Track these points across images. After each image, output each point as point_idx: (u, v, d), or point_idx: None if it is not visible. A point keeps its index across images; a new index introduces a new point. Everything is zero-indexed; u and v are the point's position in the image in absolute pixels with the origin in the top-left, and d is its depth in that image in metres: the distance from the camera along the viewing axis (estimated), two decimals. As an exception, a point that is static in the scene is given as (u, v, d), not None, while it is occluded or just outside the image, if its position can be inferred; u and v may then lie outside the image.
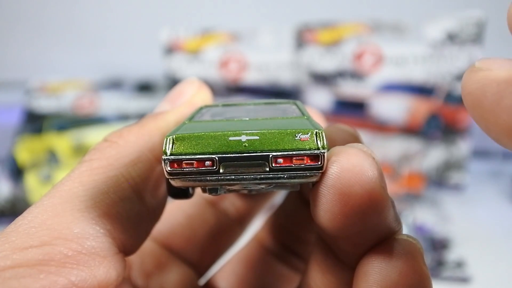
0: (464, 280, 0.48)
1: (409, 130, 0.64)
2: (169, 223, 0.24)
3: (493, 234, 0.55)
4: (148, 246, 0.23)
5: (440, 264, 0.49)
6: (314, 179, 0.15)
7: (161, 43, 0.65)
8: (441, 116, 0.63)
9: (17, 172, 0.65)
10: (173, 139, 0.15)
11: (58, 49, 0.80)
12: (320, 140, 0.15)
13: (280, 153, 0.15)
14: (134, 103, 0.75)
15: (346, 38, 0.63)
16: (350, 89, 0.64)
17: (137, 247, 0.18)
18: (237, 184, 0.15)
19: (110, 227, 0.17)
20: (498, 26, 0.64)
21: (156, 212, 0.19)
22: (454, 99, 0.62)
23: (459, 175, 0.64)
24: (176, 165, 0.15)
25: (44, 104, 0.73)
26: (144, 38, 0.75)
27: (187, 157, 0.15)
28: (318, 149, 0.15)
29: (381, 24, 0.62)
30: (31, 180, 0.62)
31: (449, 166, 0.64)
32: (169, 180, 0.15)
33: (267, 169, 0.15)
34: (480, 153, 0.69)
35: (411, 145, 0.65)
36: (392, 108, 0.64)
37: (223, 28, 0.66)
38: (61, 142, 0.68)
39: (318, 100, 0.65)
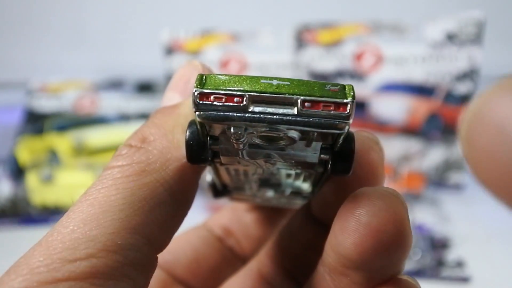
0: (464, 280, 0.48)
1: (409, 130, 0.64)
2: (176, 253, 0.24)
3: (493, 234, 0.56)
4: (155, 272, 0.23)
5: (440, 264, 0.49)
6: (341, 130, 0.15)
7: (162, 44, 0.65)
8: (441, 116, 0.63)
9: (18, 172, 0.65)
10: (206, 76, 0.15)
11: (59, 50, 0.80)
12: (349, 92, 0.15)
13: (309, 98, 0.15)
14: (134, 103, 0.75)
15: (346, 38, 0.63)
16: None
17: (167, 245, 0.18)
18: (264, 124, 0.15)
19: (149, 235, 0.17)
20: (498, 26, 0.65)
21: (186, 210, 0.19)
22: (453, 99, 0.62)
23: (459, 175, 0.64)
24: (205, 98, 0.15)
25: (45, 104, 0.73)
26: (144, 38, 0.75)
27: (218, 91, 0.15)
28: (347, 98, 0.15)
29: (381, 25, 0.62)
30: (32, 180, 0.62)
31: (449, 166, 0.65)
32: (196, 116, 0.15)
33: (295, 112, 0.15)
34: (480, 153, 0.69)
35: (411, 145, 0.65)
36: (392, 108, 0.64)
37: (223, 28, 0.66)
38: (62, 142, 0.68)
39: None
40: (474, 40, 0.59)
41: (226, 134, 0.16)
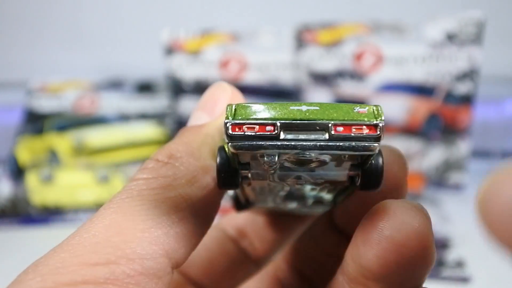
0: (464, 280, 0.48)
1: (409, 130, 0.64)
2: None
3: (493, 234, 0.55)
4: None
5: (440, 264, 0.49)
6: (372, 152, 0.15)
7: (162, 44, 0.65)
8: (441, 116, 0.63)
9: (17, 172, 0.65)
10: (236, 106, 0.16)
11: (59, 50, 0.80)
12: (378, 113, 0.15)
13: (340, 122, 0.15)
14: (134, 103, 0.75)
15: (346, 38, 0.63)
16: (350, 89, 0.64)
17: (185, 260, 0.19)
18: (296, 150, 0.15)
19: (168, 248, 0.17)
20: (498, 26, 0.65)
21: (206, 228, 0.19)
22: (453, 99, 0.62)
23: (459, 175, 0.64)
24: (237, 129, 0.15)
25: (45, 104, 0.73)
26: (144, 38, 0.75)
27: (250, 121, 0.15)
28: (376, 120, 0.15)
29: (381, 24, 0.62)
30: (32, 180, 0.62)
31: (449, 166, 0.65)
32: (228, 146, 0.16)
33: (327, 137, 0.15)
34: (480, 153, 0.69)
35: (411, 145, 0.65)
36: (392, 108, 0.64)
37: (223, 28, 0.66)
38: (62, 142, 0.68)
39: (318, 100, 0.65)
40: (474, 40, 0.59)
41: (257, 160, 0.16)
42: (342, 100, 0.64)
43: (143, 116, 0.73)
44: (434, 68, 0.61)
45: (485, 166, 0.70)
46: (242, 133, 0.15)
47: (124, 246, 0.16)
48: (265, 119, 0.15)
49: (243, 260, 0.25)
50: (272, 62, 0.65)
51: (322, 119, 0.15)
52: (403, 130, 0.64)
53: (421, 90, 0.63)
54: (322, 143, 0.15)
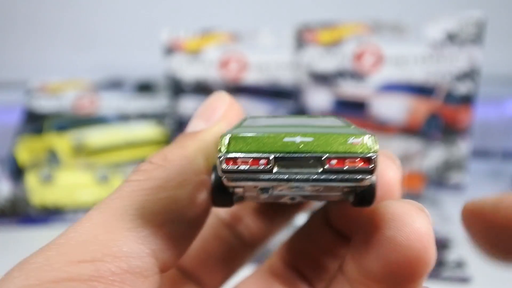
0: (464, 280, 0.48)
1: (409, 130, 0.64)
2: None
3: (493, 234, 0.55)
4: None
5: (440, 264, 0.49)
6: (364, 183, 0.16)
7: (161, 43, 0.65)
8: (441, 116, 0.63)
9: (17, 172, 0.65)
10: (229, 138, 0.16)
11: (59, 49, 0.80)
12: (372, 144, 0.15)
13: (333, 155, 0.15)
14: (134, 103, 0.75)
15: (346, 38, 0.63)
16: (350, 89, 0.64)
17: (174, 265, 0.19)
18: (290, 183, 0.16)
19: (155, 248, 0.17)
20: (498, 26, 0.65)
21: (197, 232, 0.20)
22: (454, 99, 0.62)
23: (459, 175, 0.64)
24: (231, 163, 0.15)
25: (45, 104, 0.73)
26: (144, 38, 0.75)
27: (243, 155, 0.15)
28: (370, 152, 0.15)
29: (381, 24, 0.62)
30: (31, 180, 0.62)
31: (449, 166, 0.64)
32: (223, 178, 0.16)
33: (320, 170, 0.15)
34: (480, 153, 0.69)
35: (411, 145, 0.65)
36: (392, 108, 0.64)
37: (223, 28, 0.66)
38: (62, 142, 0.68)
39: (318, 100, 0.65)
40: (474, 40, 0.59)
41: (251, 187, 0.16)
42: (343, 101, 0.64)
43: (143, 116, 0.73)
44: (434, 68, 0.61)
45: (485, 166, 0.70)
46: (236, 166, 0.15)
47: (111, 244, 0.16)
48: (258, 152, 0.15)
49: (238, 246, 0.25)
50: (272, 62, 0.65)
51: (315, 152, 0.15)
52: (403, 130, 0.64)
53: (421, 90, 0.63)
54: (314, 176, 0.15)
